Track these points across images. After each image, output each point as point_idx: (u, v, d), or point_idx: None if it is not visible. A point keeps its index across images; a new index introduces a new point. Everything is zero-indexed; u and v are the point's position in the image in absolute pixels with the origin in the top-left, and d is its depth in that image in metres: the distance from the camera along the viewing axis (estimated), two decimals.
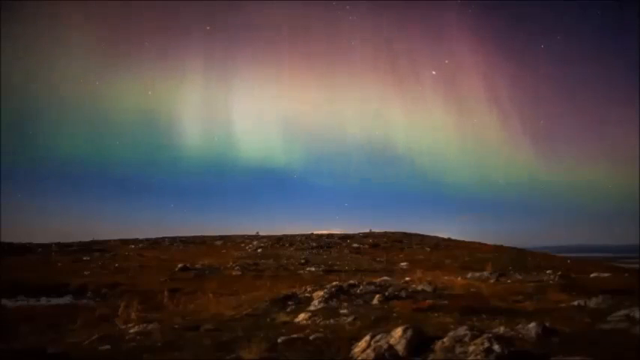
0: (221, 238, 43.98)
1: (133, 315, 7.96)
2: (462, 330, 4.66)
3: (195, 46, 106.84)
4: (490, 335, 4.39)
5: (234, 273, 20.64)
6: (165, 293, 11.41)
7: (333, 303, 8.95)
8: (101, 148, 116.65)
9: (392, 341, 4.56)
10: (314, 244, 37.15)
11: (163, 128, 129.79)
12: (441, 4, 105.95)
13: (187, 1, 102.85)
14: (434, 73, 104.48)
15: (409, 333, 4.61)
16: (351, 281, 11.47)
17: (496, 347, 4.13)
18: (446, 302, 8.55)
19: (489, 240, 41.21)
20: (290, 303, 9.29)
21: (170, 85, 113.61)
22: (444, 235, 43.86)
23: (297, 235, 44.87)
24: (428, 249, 34.28)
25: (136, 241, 40.97)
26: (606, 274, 15.45)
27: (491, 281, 13.82)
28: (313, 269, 21.99)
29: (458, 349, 4.32)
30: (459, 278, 14.21)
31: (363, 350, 4.53)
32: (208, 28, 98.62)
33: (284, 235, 44.53)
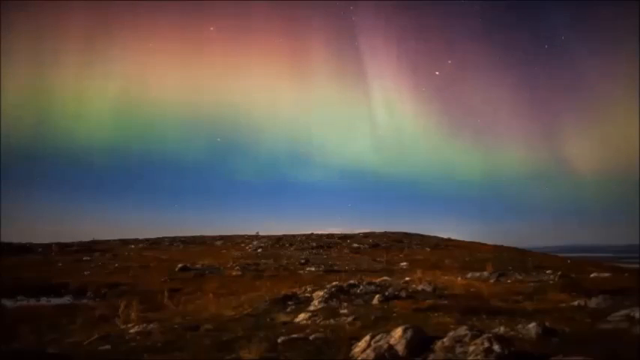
0: (221, 238, 43.95)
1: (133, 315, 7.95)
2: (462, 330, 4.66)
3: (210, 43, 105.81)
4: (490, 335, 4.39)
5: (234, 273, 20.63)
6: (165, 293, 11.42)
7: (333, 303, 8.95)
8: (102, 148, 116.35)
9: (392, 341, 4.56)
10: (314, 244, 37.14)
11: (165, 128, 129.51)
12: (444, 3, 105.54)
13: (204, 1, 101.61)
14: (437, 73, 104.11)
15: (409, 333, 4.61)
16: (351, 281, 11.47)
17: (496, 347, 4.13)
18: (446, 302, 8.56)
19: (489, 240, 41.18)
20: (290, 303, 9.29)
21: (175, 84, 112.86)
22: (444, 235, 43.81)
23: (297, 235, 44.82)
24: (428, 249, 34.27)
25: (136, 241, 40.96)
26: (606, 274, 15.44)
27: (491, 281, 13.83)
28: (313, 269, 21.98)
29: (458, 349, 4.32)
30: (459, 278, 14.22)
31: (363, 350, 4.53)
32: (212, 28, 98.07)
33: (284, 235, 44.48)
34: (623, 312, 6.23)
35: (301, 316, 7.44)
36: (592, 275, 15.25)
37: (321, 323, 6.85)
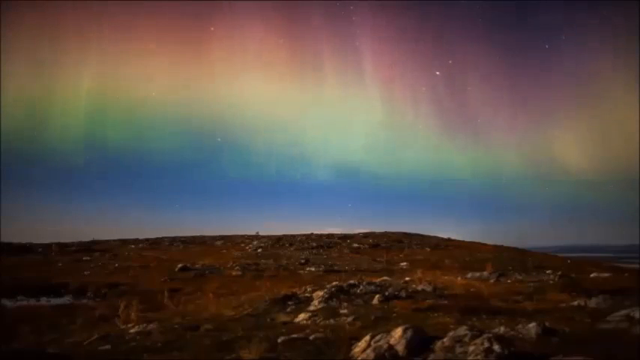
0: (221, 238, 43.96)
1: (133, 315, 7.95)
2: (462, 330, 4.66)
3: (210, 43, 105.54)
4: (490, 335, 4.39)
5: (234, 273, 20.63)
6: (166, 293, 11.42)
7: (333, 303, 8.95)
8: (102, 148, 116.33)
9: (392, 341, 4.56)
10: (314, 244, 37.14)
11: (165, 128, 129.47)
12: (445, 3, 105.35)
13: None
14: (437, 73, 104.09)
15: (409, 333, 4.61)
16: (351, 281, 11.47)
17: (496, 347, 4.13)
18: (446, 302, 8.56)
19: (489, 240, 41.19)
20: (290, 303, 9.29)
21: (176, 84, 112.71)
22: (444, 235, 43.78)
23: (297, 235, 44.81)
24: (428, 249, 34.26)
25: (136, 241, 40.97)
26: (606, 274, 15.45)
27: (491, 281, 13.83)
28: (313, 269, 21.98)
29: (458, 349, 4.32)
30: (459, 278, 14.23)
31: (363, 350, 4.53)
32: (212, 29, 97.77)
33: (284, 235, 44.47)
34: (623, 312, 6.23)
35: (301, 316, 7.44)
36: (592, 275, 15.26)
37: (321, 323, 6.86)
